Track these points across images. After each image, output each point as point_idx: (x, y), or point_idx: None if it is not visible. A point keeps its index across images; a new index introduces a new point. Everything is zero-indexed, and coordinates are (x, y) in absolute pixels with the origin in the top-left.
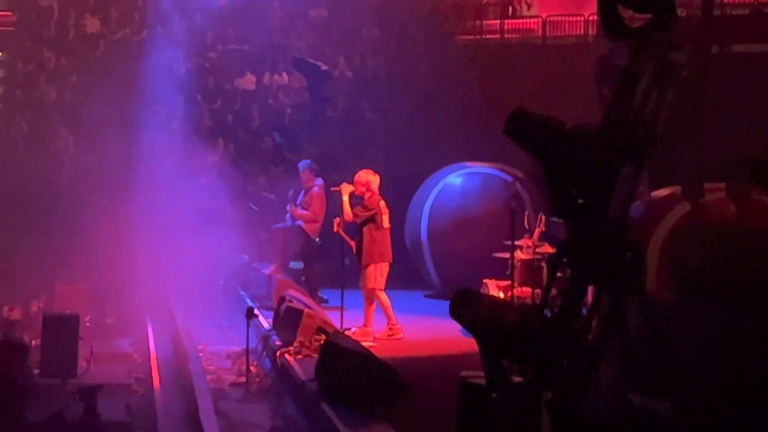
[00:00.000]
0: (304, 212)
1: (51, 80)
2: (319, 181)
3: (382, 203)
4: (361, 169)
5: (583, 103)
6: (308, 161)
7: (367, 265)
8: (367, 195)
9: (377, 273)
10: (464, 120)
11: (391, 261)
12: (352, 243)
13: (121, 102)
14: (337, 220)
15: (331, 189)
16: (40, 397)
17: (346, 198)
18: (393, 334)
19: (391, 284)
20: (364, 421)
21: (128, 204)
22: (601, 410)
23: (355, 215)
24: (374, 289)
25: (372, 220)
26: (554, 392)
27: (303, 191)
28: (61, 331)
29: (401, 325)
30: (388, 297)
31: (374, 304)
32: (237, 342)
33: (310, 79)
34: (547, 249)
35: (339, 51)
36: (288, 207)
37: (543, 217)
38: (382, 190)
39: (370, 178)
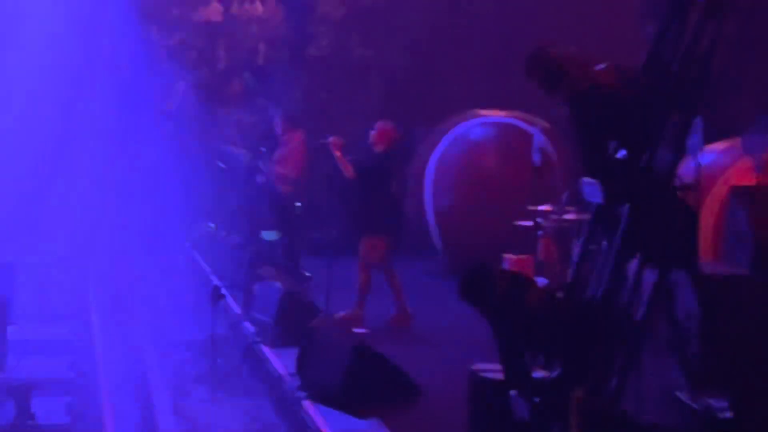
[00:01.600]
0: (282, 169)
1: None
2: (299, 134)
3: (392, 165)
4: (383, 121)
5: (623, 41)
6: (281, 110)
7: (363, 237)
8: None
9: (373, 250)
10: (477, 59)
11: (395, 234)
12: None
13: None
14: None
15: (319, 143)
16: None
17: (339, 153)
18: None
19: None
20: (355, 424)
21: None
22: (645, 411)
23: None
24: (370, 264)
25: (381, 181)
26: (587, 389)
27: (279, 146)
28: None
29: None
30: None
31: (367, 284)
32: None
33: (289, 9)
34: (579, 216)
35: None
36: (260, 163)
37: (574, 177)
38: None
39: (390, 133)
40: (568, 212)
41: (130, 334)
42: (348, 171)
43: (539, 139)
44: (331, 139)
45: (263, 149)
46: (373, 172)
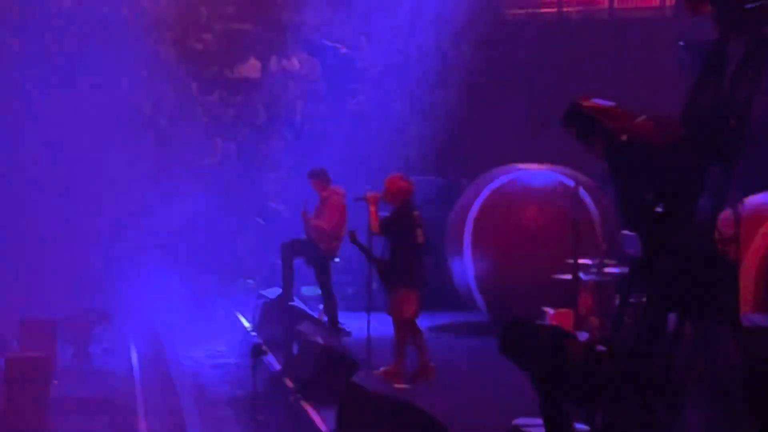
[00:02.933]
0: (319, 223)
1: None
2: (339, 188)
3: (416, 214)
4: (390, 175)
5: (661, 91)
6: (314, 169)
7: (394, 290)
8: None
9: (407, 303)
10: (515, 112)
11: (423, 286)
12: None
13: (86, 97)
14: (354, 231)
15: (354, 199)
16: None
17: (373, 208)
18: (427, 374)
19: (428, 313)
20: None
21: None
22: None
23: (381, 226)
24: (406, 320)
25: (404, 234)
26: None
27: (319, 201)
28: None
29: (436, 364)
30: (421, 327)
31: (406, 336)
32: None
33: (327, 65)
34: (619, 268)
35: (362, 30)
36: (302, 215)
37: (613, 230)
38: (416, 199)
39: (400, 185)
40: (607, 265)
41: (171, 392)
42: (374, 225)
43: (578, 192)
44: (368, 193)
45: (305, 200)
46: (391, 226)
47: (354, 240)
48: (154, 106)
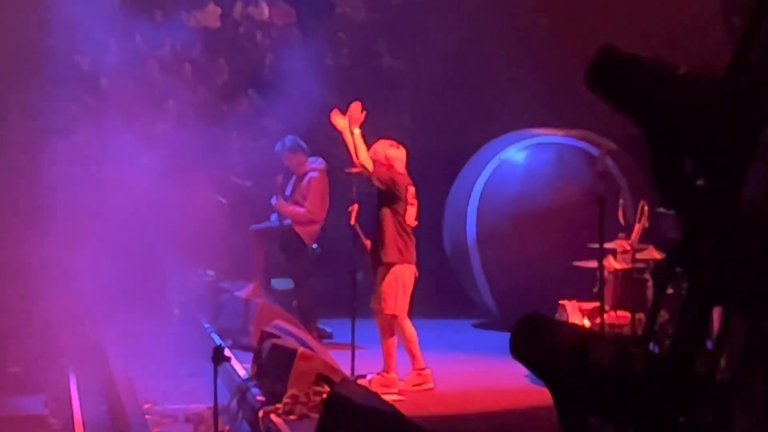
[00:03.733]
0: (298, 209)
1: None
2: (319, 163)
3: (411, 190)
4: (378, 140)
5: (701, 43)
6: (288, 139)
7: (381, 266)
8: (383, 169)
9: (396, 287)
10: (529, 68)
11: (417, 273)
12: (368, 242)
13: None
14: (355, 206)
15: (346, 172)
16: None
17: (345, 128)
18: (421, 383)
19: (421, 308)
20: None
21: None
22: None
23: (376, 176)
24: (394, 315)
25: (392, 203)
26: None
27: (294, 177)
28: None
29: (434, 370)
30: (415, 327)
31: (395, 338)
32: (200, 397)
33: (302, 12)
34: (653, 254)
35: None
36: (273, 200)
37: (646, 208)
38: (412, 171)
39: (391, 153)
40: (640, 250)
41: (117, 403)
42: (361, 160)
43: (605, 162)
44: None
45: (279, 177)
46: (378, 202)
47: (355, 222)
48: (93, 60)
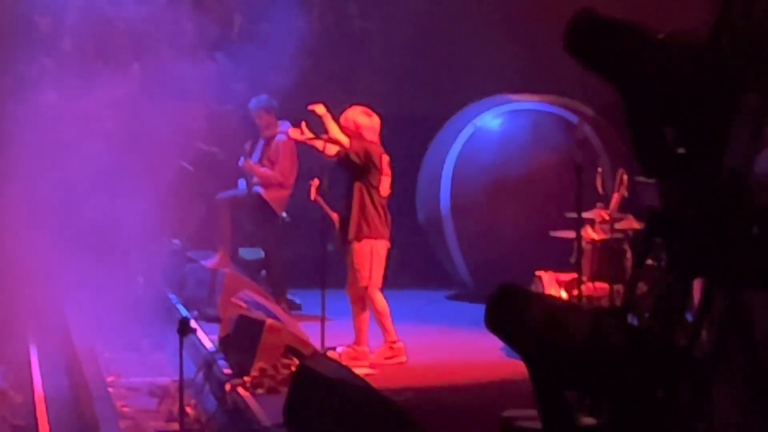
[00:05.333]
0: (266, 171)
1: None
2: (286, 126)
3: (385, 159)
4: (349, 107)
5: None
6: (264, 97)
7: (355, 242)
8: (358, 141)
9: (371, 259)
10: (506, 31)
11: (390, 246)
12: (335, 215)
13: None
14: (315, 182)
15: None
16: None
17: (324, 113)
18: (393, 356)
19: (393, 280)
20: None
21: None
22: None
23: (353, 151)
24: (366, 287)
25: (366, 176)
26: None
27: (262, 141)
28: None
29: (407, 343)
30: (387, 300)
31: (367, 311)
32: (165, 370)
33: None
34: (632, 224)
35: None
36: (241, 161)
37: (625, 176)
38: (384, 139)
39: (362, 121)
40: (618, 220)
41: (79, 377)
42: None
43: (583, 130)
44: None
45: (248, 143)
46: (352, 165)
47: (316, 196)
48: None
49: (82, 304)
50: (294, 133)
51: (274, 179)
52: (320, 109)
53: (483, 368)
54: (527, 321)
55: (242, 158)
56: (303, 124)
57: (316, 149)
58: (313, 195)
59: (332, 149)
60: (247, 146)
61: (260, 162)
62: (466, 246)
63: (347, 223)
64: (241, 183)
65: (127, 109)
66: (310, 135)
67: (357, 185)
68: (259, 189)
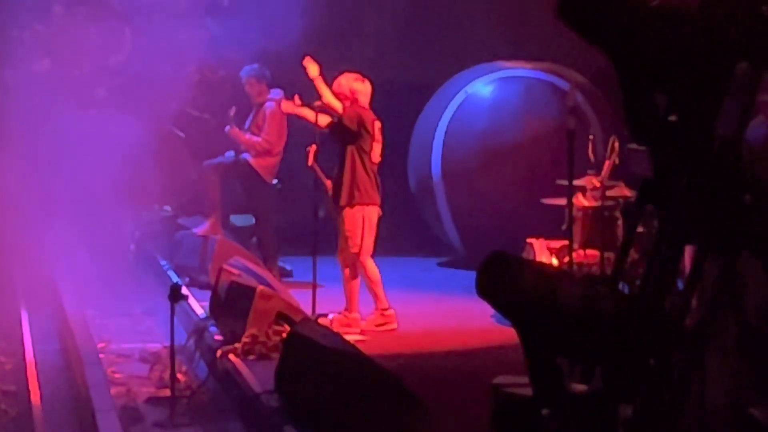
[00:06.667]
0: (254, 138)
1: None
2: (276, 93)
3: (377, 125)
4: (341, 74)
5: None
6: (255, 66)
7: (347, 208)
8: (351, 107)
9: (362, 226)
10: None
11: (381, 212)
12: (329, 182)
13: None
14: (313, 147)
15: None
16: None
17: (316, 76)
18: (384, 323)
19: (385, 247)
20: None
21: None
22: (709, 429)
23: (346, 116)
24: (358, 254)
25: (358, 142)
26: (637, 406)
27: (254, 109)
28: None
29: (398, 310)
30: (378, 267)
31: (358, 278)
32: (156, 337)
33: None
34: (624, 191)
35: None
36: (228, 129)
37: (617, 144)
38: (375, 106)
39: (356, 86)
40: (610, 187)
41: (70, 343)
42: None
43: (574, 97)
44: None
45: (232, 109)
46: (345, 132)
47: (313, 162)
48: None
49: (74, 270)
50: (286, 106)
51: (259, 146)
52: (313, 70)
53: (474, 335)
54: (518, 288)
55: (228, 126)
56: (296, 97)
57: (308, 120)
58: (311, 161)
59: (324, 119)
60: (232, 112)
61: (249, 130)
62: (458, 213)
63: (339, 189)
64: (230, 152)
65: (117, 74)
66: (302, 108)
67: (349, 151)
68: (248, 156)
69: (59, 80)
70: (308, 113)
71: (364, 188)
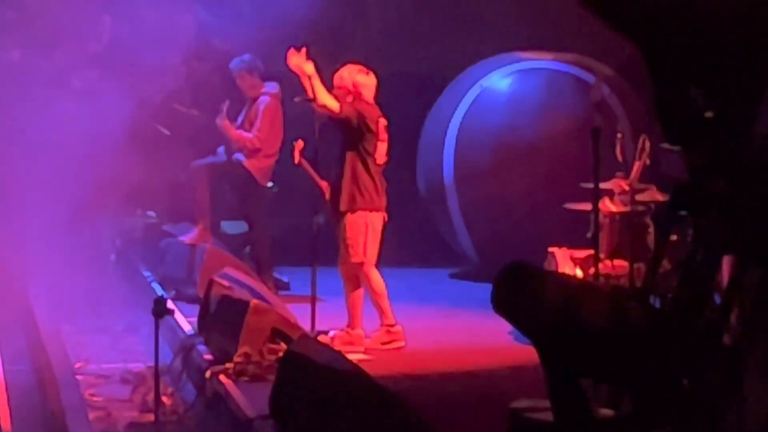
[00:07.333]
0: (245, 134)
1: None
2: (272, 87)
3: (382, 123)
4: (343, 65)
5: None
6: (247, 56)
7: (348, 213)
8: (349, 104)
9: (365, 233)
10: None
11: (387, 218)
12: (324, 183)
13: None
14: (299, 143)
15: (296, 100)
16: None
17: (311, 71)
18: (390, 341)
19: (391, 256)
20: None
21: None
22: None
23: (345, 115)
24: (361, 264)
25: (361, 141)
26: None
27: (246, 105)
28: None
29: (406, 326)
30: (384, 278)
31: (362, 290)
32: (139, 356)
33: None
34: (655, 195)
35: None
36: (218, 120)
37: (647, 143)
38: (381, 102)
39: (359, 79)
40: (640, 191)
41: (44, 362)
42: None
43: (600, 91)
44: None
45: (225, 103)
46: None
47: (300, 159)
48: None
49: (48, 282)
50: (308, 66)
51: (249, 143)
52: (309, 67)
53: (490, 354)
54: (539, 302)
55: (219, 117)
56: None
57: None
58: (297, 158)
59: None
60: (225, 106)
61: (242, 125)
62: (472, 219)
63: (339, 193)
64: (221, 149)
65: (95, 66)
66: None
67: (351, 150)
68: (240, 156)
69: (30, 71)
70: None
71: (367, 192)
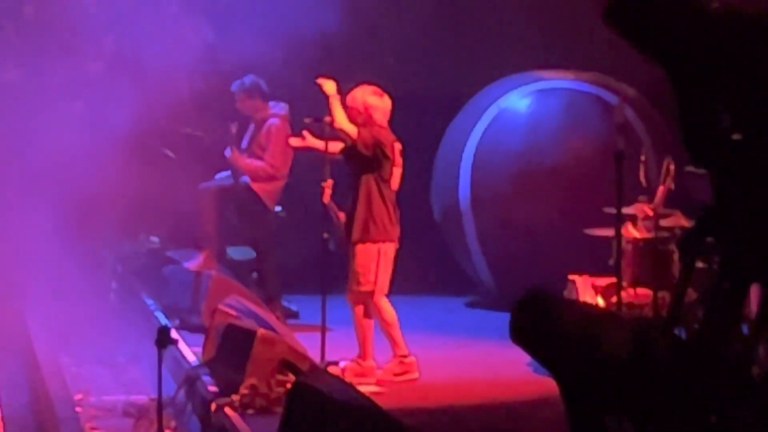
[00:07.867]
0: (256, 163)
1: None
2: (280, 108)
3: (397, 147)
4: (356, 86)
5: None
6: (247, 79)
7: (359, 244)
8: (367, 130)
9: (377, 262)
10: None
11: (399, 246)
12: (342, 215)
13: None
14: (329, 182)
15: (311, 120)
16: None
17: (333, 94)
18: (404, 372)
19: (405, 284)
20: None
21: None
22: None
23: (361, 141)
24: (371, 293)
25: (376, 169)
26: None
27: (253, 126)
28: None
29: (419, 357)
30: (397, 307)
31: (373, 321)
32: (142, 388)
33: None
34: (680, 221)
35: None
36: (228, 152)
37: (672, 166)
38: (394, 123)
39: (372, 102)
40: (664, 216)
41: (42, 395)
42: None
43: (623, 112)
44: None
45: (233, 125)
46: (358, 156)
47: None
48: None
49: (47, 311)
50: (294, 141)
51: (262, 172)
52: (330, 87)
53: (507, 386)
54: (559, 332)
55: (228, 149)
56: (305, 133)
57: (319, 150)
58: (326, 198)
59: (336, 147)
60: (234, 128)
61: (249, 148)
62: (489, 245)
63: (352, 222)
64: (227, 172)
65: (98, 87)
66: (313, 141)
67: (364, 179)
68: (248, 179)
69: (29, 92)
70: (318, 144)
71: (381, 223)
